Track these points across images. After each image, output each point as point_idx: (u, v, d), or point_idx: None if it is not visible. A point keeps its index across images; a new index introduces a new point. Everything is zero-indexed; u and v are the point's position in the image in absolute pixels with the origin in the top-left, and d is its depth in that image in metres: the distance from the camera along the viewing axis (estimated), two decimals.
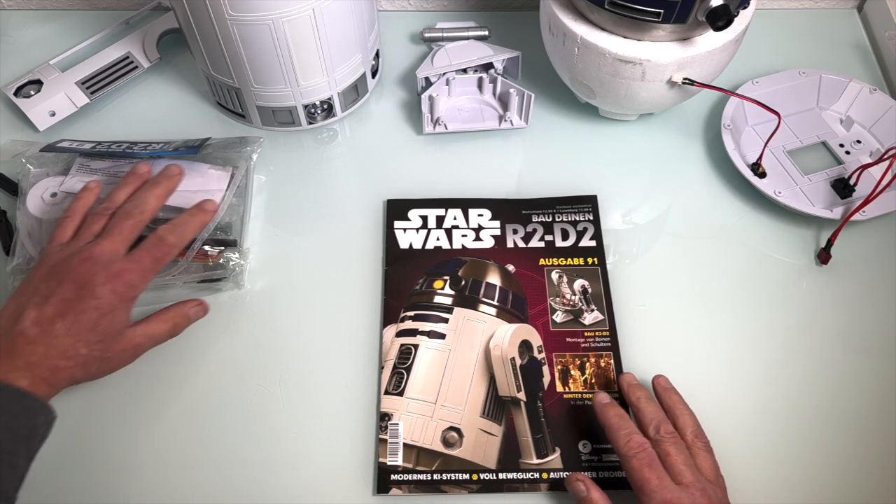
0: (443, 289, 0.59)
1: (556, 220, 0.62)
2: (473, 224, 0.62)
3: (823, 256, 0.60)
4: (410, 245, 0.61)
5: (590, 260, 0.60)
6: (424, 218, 0.63)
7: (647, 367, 0.56)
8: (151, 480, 0.52)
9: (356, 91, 0.69)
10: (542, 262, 0.60)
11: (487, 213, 0.63)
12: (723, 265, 0.61)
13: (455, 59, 0.69)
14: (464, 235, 0.62)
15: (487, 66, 0.70)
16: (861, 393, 0.55)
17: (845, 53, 0.76)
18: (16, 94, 0.69)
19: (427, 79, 0.69)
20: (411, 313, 0.58)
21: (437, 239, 0.62)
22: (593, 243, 0.61)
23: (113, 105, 0.72)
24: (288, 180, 0.67)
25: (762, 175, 0.63)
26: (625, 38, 0.58)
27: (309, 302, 0.60)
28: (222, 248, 0.59)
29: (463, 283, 0.59)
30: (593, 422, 0.51)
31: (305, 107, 0.67)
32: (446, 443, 0.52)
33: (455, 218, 0.63)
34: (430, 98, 0.67)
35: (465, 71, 0.70)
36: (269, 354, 0.57)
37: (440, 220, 0.63)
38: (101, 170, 0.62)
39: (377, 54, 0.71)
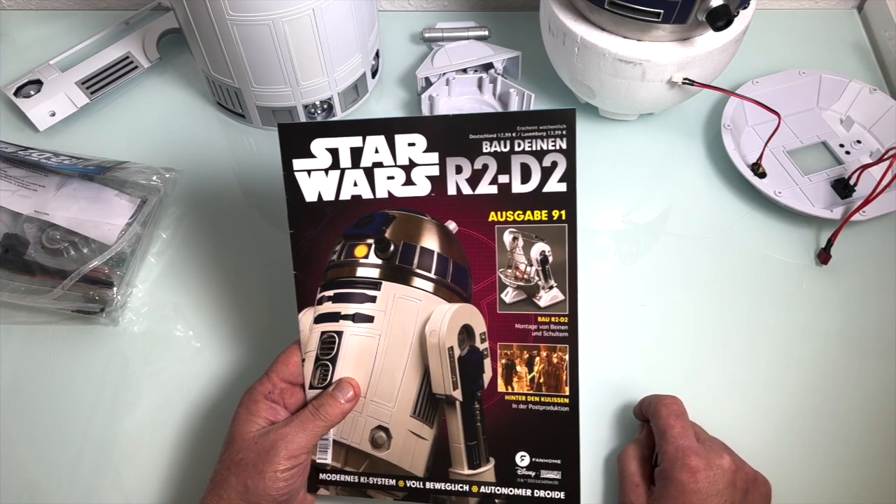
0: (366, 257, 0.47)
1: (517, 148, 0.45)
2: (402, 159, 0.46)
3: (823, 256, 0.60)
4: (319, 196, 0.47)
5: (556, 213, 0.45)
6: (334, 152, 0.47)
7: (646, 367, 0.56)
8: None
9: (356, 91, 0.69)
10: (492, 216, 0.46)
11: (421, 141, 0.46)
12: (723, 265, 0.61)
13: (455, 60, 0.69)
14: (390, 177, 0.46)
15: (487, 66, 0.70)
16: (861, 393, 0.55)
17: (845, 53, 0.76)
18: (16, 94, 0.69)
19: (427, 79, 0.69)
20: (330, 293, 0.47)
21: (355, 184, 0.47)
22: (562, 187, 0.45)
23: (113, 105, 0.72)
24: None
25: (762, 175, 0.63)
26: (625, 38, 0.58)
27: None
28: (99, 285, 0.57)
29: (392, 248, 0.47)
30: (535, 430, 0.46)
31: (305, 107, 0.67)
32: (374, 443, 0.47)
33: (377, 150, 0.46)
34: (430, 98, 0.67)
35: (465, 71, 0.69)
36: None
37: (356, 154, 0.46)
38: (15, 178, 0.60)
39: (377, 54, 0.71)
